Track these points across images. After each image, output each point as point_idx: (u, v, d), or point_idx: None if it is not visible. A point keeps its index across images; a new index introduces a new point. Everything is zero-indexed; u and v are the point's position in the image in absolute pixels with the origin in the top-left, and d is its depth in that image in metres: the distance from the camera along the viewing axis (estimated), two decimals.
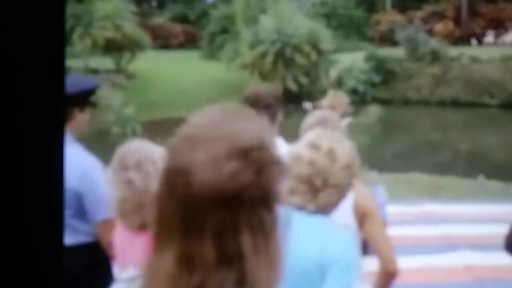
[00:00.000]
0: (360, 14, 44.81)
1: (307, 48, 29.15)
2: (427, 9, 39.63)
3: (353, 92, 28.48)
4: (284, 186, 1.00)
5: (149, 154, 2.20)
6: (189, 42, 49.49)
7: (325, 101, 6.08)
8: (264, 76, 30.06)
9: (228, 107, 1.02)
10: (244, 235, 0.93)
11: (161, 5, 57.40)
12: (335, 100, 6.31)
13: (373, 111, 22.63)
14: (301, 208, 1.94)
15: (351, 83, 28.54)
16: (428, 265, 5.24)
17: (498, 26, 34.30)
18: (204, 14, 51.34)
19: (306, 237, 1.87)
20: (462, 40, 35.62)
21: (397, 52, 30.01)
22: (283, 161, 1.00)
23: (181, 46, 48.85)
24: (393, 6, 44.32)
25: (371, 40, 41.10)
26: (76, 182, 2.64)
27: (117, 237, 2.33)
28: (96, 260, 2.72)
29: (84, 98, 2.83)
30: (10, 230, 0.94)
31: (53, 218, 1.04)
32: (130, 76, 32.09)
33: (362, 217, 2.63)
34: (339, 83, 29.06)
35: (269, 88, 3.34)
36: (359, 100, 28.30)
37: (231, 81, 31.55)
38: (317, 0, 45.08)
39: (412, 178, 9.72)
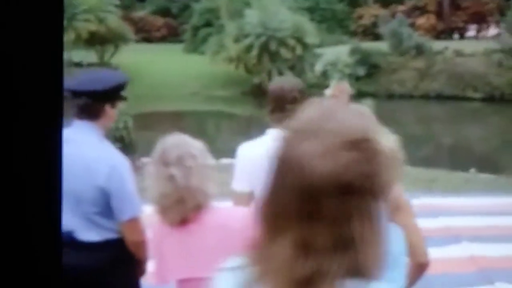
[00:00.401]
0: (343, 8, 45.01)
1: (292, 42, 29.26)
2: (409, 3, 39.91)
3: None
4: (390, 176, 1.03)
5: (190, 149, 2.22)
6: (171, 36, 49.28)
7: (329, 91, 6.13)
8: (249, 70, 30.11)
9: (331, 102, 1.12)
10: (356, 223, 0.97)
11: None
12: (338, 90, 6.33)
13: (366, 105, 22.80)
14: None
15: (336, 76, 28.60)
16: (433, 257, 5.32)
17: (480, 20, 34.67)
18: (186, 7, 51.09)
19: None
20: (444, 34, 35.96)
21: (380, 46, 30.17)
22: (390, 152, 1.04)
23: (163, 39, 48.62)
24: (375, 0, 44.53)
25: (353, 34, 41.33)
26: (104, 180, 2.62)
27: (155, 232, 2.33)
28: (120, 257, 2.73)
29: (116, 94, 2.78)
30: (9, 229, 0.92)
31: (51, 216, 1.00)
32: (113, 69, 31.83)
33: (394, 209, 2.67)
34: (324, 77, 29.19)
35: (294, 82, 3.19)
36: None
37: (215, 74, 31.52)
38: None
39: (404, 171, 9.80)
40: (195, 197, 2.18)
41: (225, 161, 11.59)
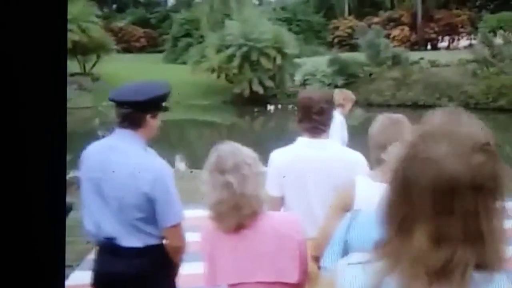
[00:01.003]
0: (319, 19, 45.97)
1: (272, 52, 29.79)
2: (384, 15, 40.99)
3: None
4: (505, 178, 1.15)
5: (245, 158, 2.30)
6: (151, 46, 49.57)
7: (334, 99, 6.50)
8: (230, 79, 30.61)
9: (452, 110, 1.20)
10: (483, 219, 1.08)
11: (121, 9, 57.22)
12: (342, 97, 6.73)
13: (358, 114, 23.29)
14: None
15: (315, 86, 29.31)
16: None
17: (452, 31, 35.85)
18: (165, 18, 51.52)
19: None
20: (418, 45, 37.05)
21: (358, 57, 30.96)
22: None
23: (143, 49, 48.89)
24: (350, 13, 45.62)
25: (330, 45, 42.21)
26: (149, 187, 2.68)
27: (208, 237, 2.40)
28: (159, 262, 2.81)
29: (157, 104, 2.84)
30: (12, 227, 0.97)
31: (55, 215, 1.05)
32: (95, 79, 32.03)
33: None
34: (303, 86, 29.85)
35: (323, 93, 3.33)
36: None
37: (196, 83, 31.90)
38: (277, 5, 46.02)
39: None
40: (250, 204, 2.26)
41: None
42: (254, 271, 2.29)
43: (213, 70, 30.32)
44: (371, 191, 2.03)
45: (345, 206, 2.43)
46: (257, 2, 48.54)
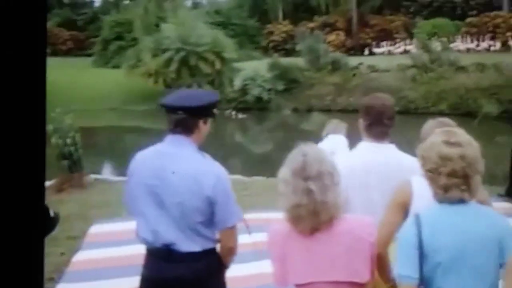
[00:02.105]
0: (253, 24, 45.58)
1: (211, 57, 29.12)
2: (319, 20, 41.08)
3: (258, 100, 28.86)
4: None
5: (328, 167, 2.37)
6: (78, 49, 47.71)
7: None
8: (168, 84, 29.58)
9: None
10: None
11: None
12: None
13: (316, 119, 23.00)
14: (459, 200, 2.25)
15: (255, 91, 28.84)
16: None
17: (387, 37, 36.32)
18: (92, 20, 49.65)
19: (484, 224, 2.25)
20: (354, 50, 37.30)
21: (297, 62, 30.72)
22: None
23: (69, 52, 46.92)
24: (285, 17, 45.48)
25: (265, 49, 41.95)
26: (211, 191, 2.75)
27: (280, 237, 2.47)
28: (213, 265, 2.91)
29: (209, 111, 2.93)
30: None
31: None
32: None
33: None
34: (243, 91, 29.30)
35: (391, 99, 3.35)
36: (263, 107, 28.76)
37: (132, 89, 30.70)
38: (211, 9, 45.24)
39: None
40: (329, 211, 2.34)
41: None
42: (328, 271, 2.38)
43: (150, 75, 29.16)
44: (426, 191, 2.37)
45: (404, 203, 2.74)
46: (190, 5, 47.55)
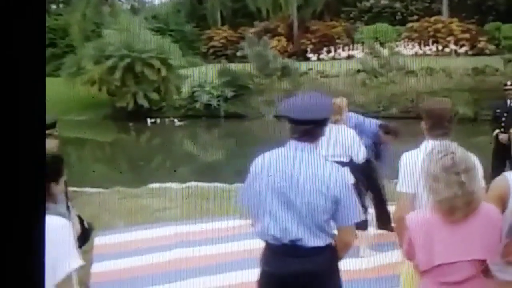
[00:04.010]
0: (192, 29, 44.70)
1: (157, 63, 28.20)
2: (260, 25, 40.74)
3: (206, 107, 28.21)
4: None
5: (473, 164, 2.73)
6: None
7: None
8: (112, 93, 28.41)
9: None
10: None
11: None
12: (337, 105, 6.02)
13: (267, 125, 22.57)
14: None
15: (204, 98, 28.21)
16: None
17: (329, 42, 36.46)
18: None
19: None
20: (296, 56, 37.16)
21: (246, 68, 30.29)
22: None
23: None
24: (223, 23, 44.87)
25: (204, 55, 41.24)
26: (337, 191, 3.00)
27: (423, 227, 2.75)
28: (331, 259, 3.15)
29: (326, 120, 3.12)
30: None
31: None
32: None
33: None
34: (191, 98, 28.57)
35: (449, 103, 3.64)
36: (211, 115, 28.13)
37: (72, 98, 29.31)
38: (148, 14, 44.06)
39: None
40: (478, 199, 2.69)
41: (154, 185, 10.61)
42: (470, 251, 2.71)
43: (93, 83, 27.85)
44: None
45: (501, 197, 2.97)
46: (128, 10, 46.14)
